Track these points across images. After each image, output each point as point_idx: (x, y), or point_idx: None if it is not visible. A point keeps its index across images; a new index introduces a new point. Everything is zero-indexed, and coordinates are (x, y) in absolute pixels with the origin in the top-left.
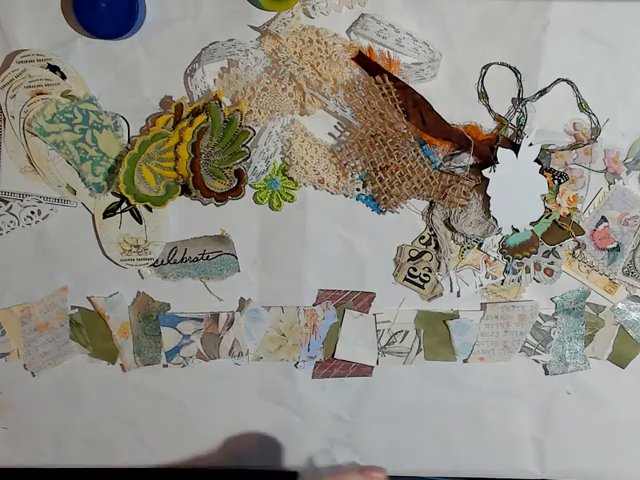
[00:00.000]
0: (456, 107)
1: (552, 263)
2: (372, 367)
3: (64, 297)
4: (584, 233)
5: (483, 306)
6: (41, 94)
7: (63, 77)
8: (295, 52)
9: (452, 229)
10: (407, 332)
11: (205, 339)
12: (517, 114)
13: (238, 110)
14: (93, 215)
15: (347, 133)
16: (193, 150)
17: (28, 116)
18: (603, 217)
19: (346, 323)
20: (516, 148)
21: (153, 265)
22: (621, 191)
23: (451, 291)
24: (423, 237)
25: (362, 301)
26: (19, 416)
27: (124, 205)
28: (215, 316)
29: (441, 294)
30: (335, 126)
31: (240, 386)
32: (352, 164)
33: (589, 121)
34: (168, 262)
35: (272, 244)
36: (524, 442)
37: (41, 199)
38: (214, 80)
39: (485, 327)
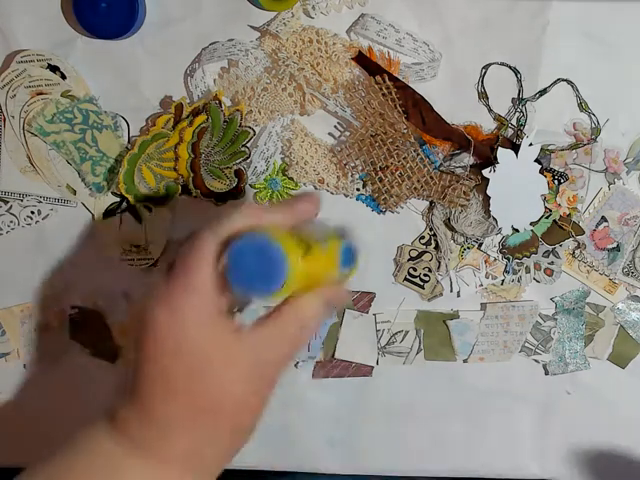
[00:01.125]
0: (456, 107)
1: (552, 263)
2: (372, 367)
3: (64, 297)
4: (584, 233)
5: (483, 306)
6: (41, 94)
7: (63, 77)
8: (295, 52)
9: (452, 229)
10: (407, 332)
11: None
12: (517, 114)
13: (238, 110)
14: (93, 215)
15: (347, 133)
16: (193, 150)
17: (28, 116)
18: (603, 217)
19: (346, 323)
20: (516, 148)
21: (153, 265)
22: (621, 191)
23: (451, 291)
24: (423, 237)
25: (362, 301)
26: (19, 416)
27: (124, 205)
28: None
29: (441, 294)
30: (335, 126)
31: None
32: (352, 164)
33: (589, 121)
34: None
35: None
36: (524, 442)
37: (41, 199)
38: (214, 80)
39: (485, 327)
